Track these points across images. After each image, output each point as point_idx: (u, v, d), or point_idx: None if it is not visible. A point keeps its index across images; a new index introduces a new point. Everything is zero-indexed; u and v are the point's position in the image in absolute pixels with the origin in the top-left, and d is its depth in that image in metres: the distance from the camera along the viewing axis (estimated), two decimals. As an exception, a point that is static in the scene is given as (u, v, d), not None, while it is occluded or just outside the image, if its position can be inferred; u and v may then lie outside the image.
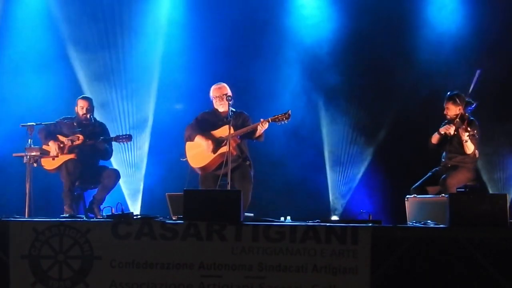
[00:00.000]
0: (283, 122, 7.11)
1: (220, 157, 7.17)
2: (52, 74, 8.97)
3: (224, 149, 7.10)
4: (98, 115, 8.25)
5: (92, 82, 9.07)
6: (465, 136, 7.23)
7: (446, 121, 7.50)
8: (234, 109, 7.35)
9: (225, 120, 7.23)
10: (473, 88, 7.40)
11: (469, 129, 7.22)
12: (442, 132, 7.43)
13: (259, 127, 7.14)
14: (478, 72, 7.38)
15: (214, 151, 7.21)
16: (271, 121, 7.11)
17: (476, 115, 7.52)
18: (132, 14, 9.22)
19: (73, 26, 9.10)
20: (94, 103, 7.96)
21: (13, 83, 8.95)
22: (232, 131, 7.06)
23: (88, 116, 7.78)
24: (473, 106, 7.46)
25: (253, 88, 8.99)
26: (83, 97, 7.95)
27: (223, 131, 7.22)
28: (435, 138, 7.53)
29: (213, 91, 7.46)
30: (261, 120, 7.13)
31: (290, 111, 7.09)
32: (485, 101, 7.90)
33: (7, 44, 9.04)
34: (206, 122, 7.44)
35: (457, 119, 7.36)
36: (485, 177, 8.73)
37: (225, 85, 7.43)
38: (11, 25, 9.07)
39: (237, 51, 9.13)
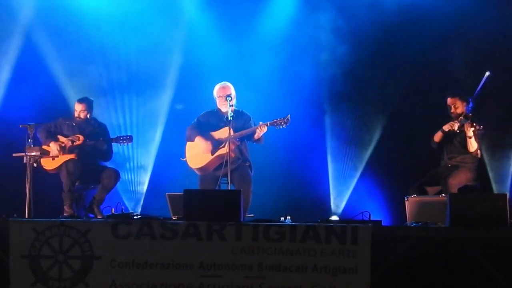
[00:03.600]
0: (281, 126, 7.10)
1: (218, 158, 7.17)
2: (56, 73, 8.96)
3: (222, 150, 7.09)
4: (100, 114, 8.24)
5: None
6: (470, 132, 7.15)
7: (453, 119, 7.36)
8: (236, 109, 7.31)
9: (225, 120, 7.22)
10: (479, 91, 7.30)
11: (475, 124, 7.13)
12: (446, 130, 7.34)
13: (257, 131, 7.13)
14: (487, 74, 7.26)
15: (212, 152, 7.20)
16: (270, 125, 7.10)
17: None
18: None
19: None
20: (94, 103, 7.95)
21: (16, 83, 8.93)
22: (232, 133, 7.05)
23: (87, 117, 7.78)
24: (471, 105, 7.41)
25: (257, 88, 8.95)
26: (79, 99, 7.86)
27: (223, 133, 7.21)
28: (437, 136, 7.44)
29: (217, 91, 7.41)
30: (260, 123, 7.12)
31: (289, 115, 7.08)
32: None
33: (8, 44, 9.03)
34: (208, 123, 7.42)
35: (461, 116, 7.29)
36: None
37: (230, 85, 7.38)
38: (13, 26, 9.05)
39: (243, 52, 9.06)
